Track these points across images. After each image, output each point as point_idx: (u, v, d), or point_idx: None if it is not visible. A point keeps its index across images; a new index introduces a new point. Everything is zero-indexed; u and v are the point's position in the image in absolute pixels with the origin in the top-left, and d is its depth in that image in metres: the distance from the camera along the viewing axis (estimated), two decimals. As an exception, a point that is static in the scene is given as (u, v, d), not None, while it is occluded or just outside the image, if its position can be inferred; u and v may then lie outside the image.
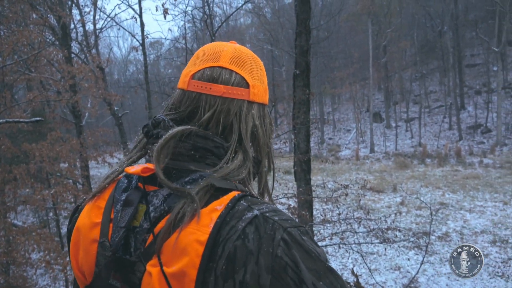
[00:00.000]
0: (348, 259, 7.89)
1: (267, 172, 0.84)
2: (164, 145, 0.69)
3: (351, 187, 5.78)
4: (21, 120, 6.68)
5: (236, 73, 0.76)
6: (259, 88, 0.80)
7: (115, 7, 13.29)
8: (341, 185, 5.68)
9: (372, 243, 7.39)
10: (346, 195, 5.60)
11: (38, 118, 6.13)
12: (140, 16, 10.34)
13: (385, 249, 8.04)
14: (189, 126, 0.72)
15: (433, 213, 10.08)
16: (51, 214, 10.31)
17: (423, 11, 29.19)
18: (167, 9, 7.32)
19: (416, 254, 8.12)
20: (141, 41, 10.43)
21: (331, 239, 5.87)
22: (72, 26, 11.78)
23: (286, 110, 27.04)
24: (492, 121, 22.88)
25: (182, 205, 0.64)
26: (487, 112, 23.22)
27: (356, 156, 22.21)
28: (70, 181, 8.65)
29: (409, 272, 7.38)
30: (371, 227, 6.08)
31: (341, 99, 35.41)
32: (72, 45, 11.10)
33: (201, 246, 0.60)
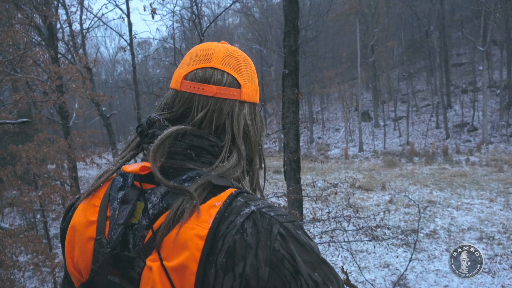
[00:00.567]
0: (338, 257, 7.95)
1: (258, 170, 0.86)
2: (160, 144, 0.71)
3: (341, 186, 5.82)
4: (7, 121, 6.58)
5: (228, 73, 0.78)
6: (250, 88, 0.82)
7: (102, 6, 13.15)
8: (331, 184, 5.72)
9: (361, 241, 7.45)
10: (336, 193, 5.64)
11: (24, 119, 6.06)
12: (128, 16, 10.26)
13: (374, 246, 8.12)
14: (184, 126, 0.74)
15: (421, 210, 10.20)
16: (38, 216, 10.19)
17: (410, 11, 29.49)
18: (155, 9, 7.27)
19: (405, 251, 8.21)
20: (129, 41, 10.35)
21: (321, 237, 5.91)
22: (58, 26, 11.64)
23: (275, 109, 27.08)
24: (478, 120, 23.23)
25: (181, 202, 0.66)
26: (473, 111, 23.57)
27: (345, 155, 22.35)
28: (58, 182, 8.56)
29: (398, 270, 7.46)
30: (360, 225, 6.13)
31: (329, 99, 35.60)
32: (58, 45, 10.97)
33: (201, 241, 0.62)
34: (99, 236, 0.70)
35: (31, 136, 9.23)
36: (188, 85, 0.77)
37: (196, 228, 0.63)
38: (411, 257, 4.58)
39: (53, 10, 10.55)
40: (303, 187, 5.39)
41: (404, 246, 8.44)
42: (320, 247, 7.72)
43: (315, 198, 5.84)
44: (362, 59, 26.54)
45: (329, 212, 5.91)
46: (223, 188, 0.69)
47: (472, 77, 26.60)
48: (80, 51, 13.61)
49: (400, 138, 25.03)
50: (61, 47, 12.75)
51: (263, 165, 0.88)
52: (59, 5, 11.70)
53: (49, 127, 11.04)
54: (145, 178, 0.73)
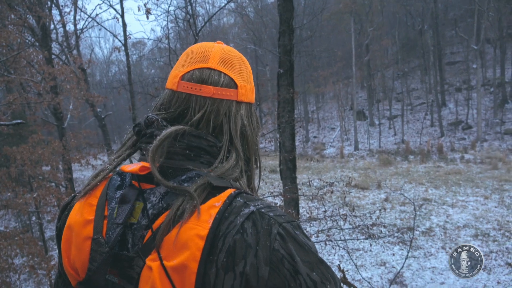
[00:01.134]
0: (334, 255, 7.97)
1: (255, 169, 0.87)
2: (159, 145, 0.71)
3: (336, 185, 5.83)
4: (1, 123, 6.54)
5: (225, 74, 0.79)
6: (247, 88, 0.82)
7: (96, 7, 13.12)
8: (327, 182, 5.73)
9: (357, 239, 7.47)
10: (332, 192, 5.65)
11: (19, 121, 6.02)
12: (122, 16, 10.22)
13: (371, 245, 8.14)
14: (182, 126, 0.74)
15: (417, 208, 10.25)
16: (33, 218, 10.13)
17: (404, 10, 29.60)
18: (149, 9, 7.24)
19: (401, 249, 8.24)
20: (123, 42, 10.32)
21: (318, 236, 5.92)
22: (52, 26, 11.57)
23: (270, 109, 27.10)
24: (473, 118, 23.36)
25: (181, 202, 0.66)
26: (468, 109, 23.69)
27: (341, 154, 22.41)
28: (53, 184, 8.52)
29: (394, 267, 7.49)
30: (357, 224, 6.15)
31: (325, 98, 35.66)
32: (52, 46, 10.91)
33: (202, 240, 0.63)
34: (97, 235, 0.70)
35: (25, 137, 9.18)
36: (185, 86, 0.77)
37: (197, 228, 0.64)
38: (407, 255, 4.60)
39: (47, 10, 10.49)
40: (299, 186, 5.40)
41: (400, 244, 8.48)
42: (316, 246, 7.74)
43: (311, 197, 5.84)
44: (357, 58, 26.61)
45: (325, 211, 5.92)
46: (222, 189, 0.70)
47: (466, 75, 26.74)
48: (74, 51, 13.56)
49: (395, 137, 25.13)
50: (55, 47, 12.68)
51: (259, 165, 0.88)
52: (53, 5, 11.65)
53: (44, 128, 10.99)
54: (143, 178, 0.73)
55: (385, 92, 29.61)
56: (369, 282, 6.34)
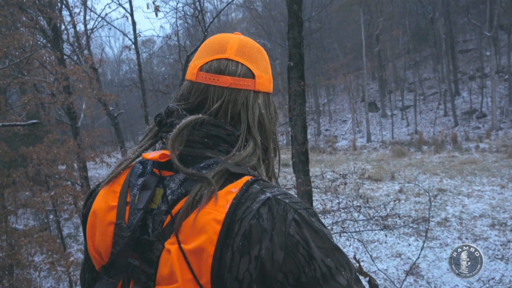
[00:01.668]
0: (349, 247, 7.96)
1: (273, 158, 0.88)
2: (178, 133, 0.74)
3: (350, 177, 5.81)
4: (18, 123, 6.66)
5: (242, 64, 0.80)
6: (264, 78, 0.84)
7: (105, 6, 13.16)
8: (340, 175, 5.71)
9: (372, 230, 7.44)
10: (345, 184, 5.63)
11: (34, 121, 6.11)
12: (131, 14, 10.26)
13: (386, 235, 8.11)
14: (201, 115, 0.76)
15: (432, 199, 10.16)
16: (51, 216, 10.31)
17: (414, -1, 29.18)
18: (158, 6, 7.26)
19: (416, 240, 8.19)
20: (133, 40, 10.37)
21: (332, 229, 5.91)
22: (63, 27, 11.68)
23: (281, 103, 26.98)
24: (487, 106, 22.98)
25: (199, 188, 0.69)
26: (482, 97, 23.31)
27: (353, 146, 22.27)
28: (69, 182, 8.65)
29: (410, 259, 7.45)
30: (371, 215, 6.12)
31: (336, 90, 35.42)
32: (64, 46, 11.04)
33: (218, 225, 0.64)
34: (119, 221, 0.73)
35: (40, 137, 9.32)
36: (203, 76, 0.79)
37: (214, 212, 0.65)
38: (423, 246, 4.57)
39: (57, 11, 10.60)
40: (312, 179, 5.39)
41: (416, 235, 8.42)
42: (331, 239, 7.73)
43: (324, 190, 5.83)
44: (367, 49, 26.35)
45: (339, 203, 5.91)
46: (239, 176, 0.72)
47: (479, 63, 26.27)
48: (85, 51, 13.68)
49: (408, 128, 24.87)
50: (67, 48, 12.83)
51: (278, 153, 0.90)
52: (63, 6, 11.76)
53: (58, 128, 11.14)
54: (164, 165, 0.76)
55: (397, 82, 29.28)
56: (384, 274, 6.33)
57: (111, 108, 13.84)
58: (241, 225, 0.64)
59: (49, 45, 9.84)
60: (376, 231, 8.01)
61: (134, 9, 13.15)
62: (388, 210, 7.85)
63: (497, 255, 7.17)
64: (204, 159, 0.74)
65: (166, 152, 0.73)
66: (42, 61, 8.66)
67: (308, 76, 26.20)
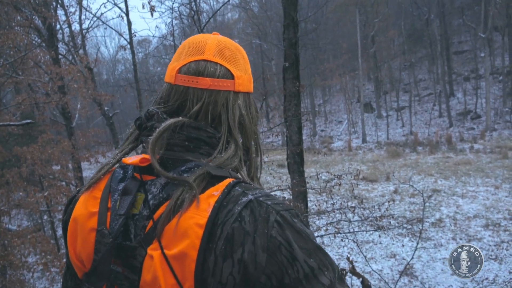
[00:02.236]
0: (344, 248, 7.97)
1: (255, 158, 0.88)
2: (159, 137, 0.73)
3: (345, 178, 5.83)
4: (12, 123, 6.62)
5: (221, 65, 0.79)
6: (244, 78, 0.83)
7: (100, 6, 13.12)
8: (335, 175, 5.72)
9: (366, 231, 7.46)
10: (340, 185, 5.64)
11: (28, 121, 6.08)
12: (127, 14, 10.23)
13: (379, 236, 8.13)
14: (181, 118, 0.75)
15: (426, 200, 10.20)
16: (45, 217, 10.26)
17: (409, 0, 29.28)
18: (153, 6, 7.26)
19: (411, 241, 8.22)
20: (128, 40, 10.34)
21: (327, 229, 5.92)
22: (58, 27, 11.62)
23: (277, 103, 27.02)
24: (481, 107, 23.11)
25: (180, 192, 0.68)
26: (476, 98, 23.44)
27: (349, 147, 22.32)
28: (63, 183, 8.61)
29: (404, 259, 7.47)
30: (365, 216, 6.14)
31: (331, 91, 35.49)
32: (59, 46, 10.98)
33: (201, 229, 0.64)
34: (101, 227, 0.72)
35: (35, 137, 9.28)
36: (182, 79, 0.78)
37: (196, 217, 0.65)
38: (417, 246, 4.60)
39: (52, 11, 10.54)
40: (307, 180, 5.40)
41: (410, 236, 8.45)
42: (326, 239, 7.74)
43: (319, 191, 5.84)
44: (363, 50, 26.42)
45: (333, 204, 5.93)
46: (221, 178, 0.71)
47: (474, 64, 26.43)
48: (81, 51, 13.60)
49: (403, 128, 24.96)
50: (62, 48, 12.76)
51: (260, 153, 0.89)
52: (58, 6, 11.70)
53: (53, 128, 11.09)
54: (145, 169, 0.75)
55: (392, 83, 29.39)
56: (379, 274, 6.35)
57: (106, 108, 13.76)
58: (223, 228, 0.64)
59: (44, 44, 9.79)
60: (371, 232, 8.04)
61: (129, 9, 13.11)
62: (383, 210, 7.87)
63: (491, 255, 7.21)
64: (185, 163, 0.73)
65: (147, 156, 0.72)
66: (37, 60, 8.62)
67: (304, 76, 26.25)
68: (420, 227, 6.27)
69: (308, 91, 28.59)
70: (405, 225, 8.57)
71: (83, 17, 13.42)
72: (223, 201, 0.66)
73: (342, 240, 7.59)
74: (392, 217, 7.26)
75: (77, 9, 12.84)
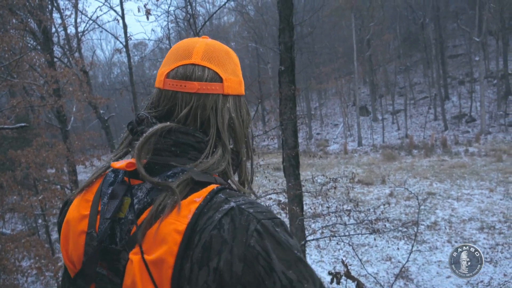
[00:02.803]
0: (339, 251, 7.97)
1: (246, 162, 0.87)
2: (145, 142, 0.73)
3: (340, 181, 5.84)
4: (6, 126, 6.59)
5: (209, 68, 0.79)
6: (233, 81, 0.82)
7: (96, 9, 13.17)
8: (330, 179, 5.73)
9: (362, 234, 7.47)
10: (335, 188, 5.65)
11: (22, 124, 6.06)
12: (123, 17, 10.24)
13: (375, 239, 8.14)
14: (168, 123, 0.75)
15: (421, 203, 10.23)
16: (40, 220, 10.19)
17: (404, 4, 29.47)
18: (149, 9, 7.27)
19: (406, 244, 8.23)
20: (124, 43, 10.34)
21: (322, 233, 5.93)
22: (53, 30, 11.60)
23: (273, 107, 27.00)
24: (476, 110, 23.25)
25: (163, 197, 0.68)
26: (471, 102, 23.58)
27: (344, 150, 22.37)
28: (58, 186, 8.55)
29: (400, 262, 7.48)
30: (361, 219, 6.15)
31: (327, 94, 35.60)
32: (54, 49, 10.95)
33: (179, 235, 0.63)
34: (90, 230, 0.73)
35: (29, 141, 9.23)
36: (170, 83, 0.78)
37: (176, 223, 0.64)
38: (412, 249, 4.61)
39: (48, 14, 10.52)
40: (302, 183, 5.40)
41: (406, 239, 8.47)
42: (321, 242, 7.75)
43: (315, 194, 5.85)
44: (359, 53, 26.53)
45: (328, 207, 5.93)
46: (205, 184, 0.71)
47: (468, 68, 26.60)
48: (76, 54, 13.57)
49: (399, 132, 25.05)
50: (57, 51, 12.71)
51: (250, 156, 0.89)
52: (54, 9, 11.68)
53: (48, 131, 11.03)
54: (134, 174, 0.75)
55: (388, 87, 29.52)
56: (374, 278, 6.35)
57: (101, 111, 13.73)
58: (201, 236, 0.63)
59: (39, 47, 9.76)
60: (366, 235, 8.05)
61: (125, 12, 13.11)
62: (378, 214, 7.89)
63: (486, 258, 7.23)
64: (172, 168, 0.73)
65: (134, 161, 0.73)
66: (32, 63, 8.57)
67: (300, 80, 26.31)
68: (416, 230, 6.29)
69: (304, 94, 28.68)
70: (400, 228, 8.58)
71: (78, 20, 13.43)
72: (204, 208, 0.66)
73: (337, 243, 7.59)
74: (388, 220, 7.28)
75: (73, 12, 12.83)
